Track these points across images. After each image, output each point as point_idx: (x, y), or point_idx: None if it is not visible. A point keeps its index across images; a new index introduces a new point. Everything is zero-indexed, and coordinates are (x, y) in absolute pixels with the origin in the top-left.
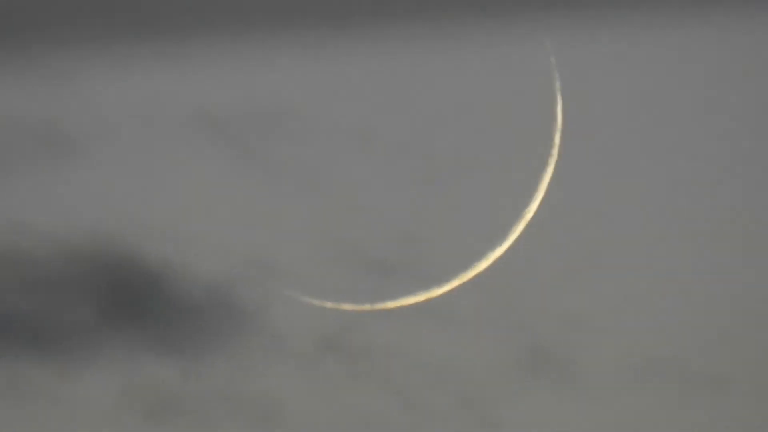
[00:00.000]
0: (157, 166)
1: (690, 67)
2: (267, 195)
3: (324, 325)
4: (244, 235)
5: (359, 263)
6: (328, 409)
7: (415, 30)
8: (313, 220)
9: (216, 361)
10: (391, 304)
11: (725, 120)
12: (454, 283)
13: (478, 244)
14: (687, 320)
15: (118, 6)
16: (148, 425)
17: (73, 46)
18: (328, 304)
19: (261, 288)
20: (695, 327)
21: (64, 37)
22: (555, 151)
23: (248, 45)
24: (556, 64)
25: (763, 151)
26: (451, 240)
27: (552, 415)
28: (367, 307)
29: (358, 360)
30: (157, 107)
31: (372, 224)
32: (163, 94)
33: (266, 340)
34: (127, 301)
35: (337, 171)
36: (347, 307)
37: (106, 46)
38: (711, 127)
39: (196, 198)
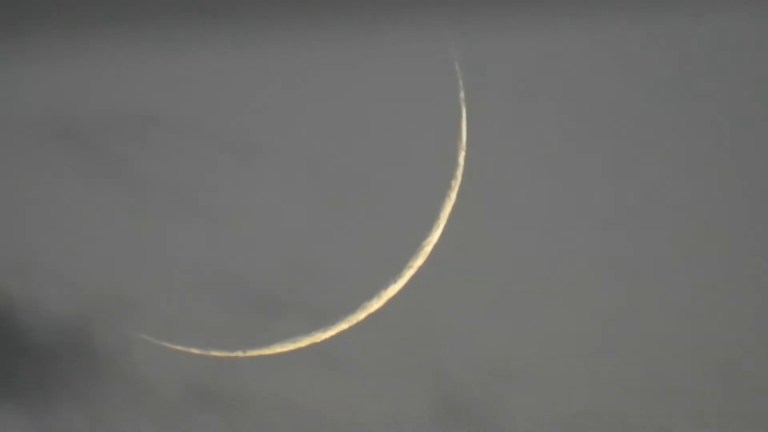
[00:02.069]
0: None
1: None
2: (130, 218)
3: (195, 373)
4: (102, 267)
5: (237, 299)
6: None
7: (308, 29)
8: (184, 248)
9: (71, 413)
10: (270, 350)
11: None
12: (348, 323)
13: (375, 278)
14: (616, 365)
15: None
16: None
17: None
18: (194, 350)
19: (122, 328)
20: (626, 376)
21: None
22: (459, 171)
23: (107, 42)
24: (460, 71)
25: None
26: (341, 274)
27: None
28: (238, 353)
29: (233, 411)
30: None
31: (253, 253)
32: (5, 98)
33: (129, 389)
34: None
35: (213, 189)
36: (217, 353)
37: None
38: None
39: (45, 221)
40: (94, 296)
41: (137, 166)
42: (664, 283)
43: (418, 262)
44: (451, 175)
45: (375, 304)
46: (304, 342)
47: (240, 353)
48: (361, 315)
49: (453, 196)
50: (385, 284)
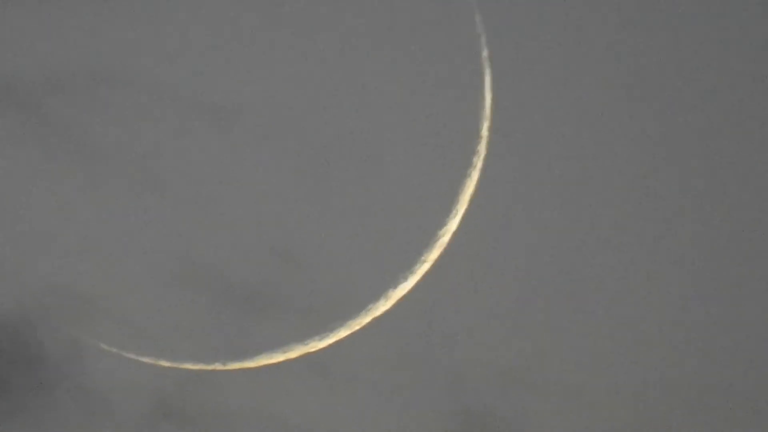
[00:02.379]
0: None
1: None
2: (82, 196)
3: (163, 388)
4: (49, 256)
5: (215, 297)
6: None
7: None
8: (148, 234)
9: (11, 430)
10: (255, 362)
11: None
12: (348, 328)
13: (379, 276)
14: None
15: None
16: None
17: None
18: (163, 362)
19: (73, 331)
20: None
21: None
22: (482, 147)
23: None
24: (482, 23)
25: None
26: (342, 267)
27: None
28: (217, 366)
29: (204, 429)
30: None
31: (233, 240)
32: None
33: (82, 405)
34: None
35: (183, 162)
36: (191, 365)
37: None
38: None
39: None
40: (39, 291)
41: (90, 134)
42: (696, 285)
43: (433, 254)
44: (473, 150)
45: (381, 306)
46: (296, 351)
47: (219, 365)
48: (364, 318)
49: (474, 175)
50: (393, 281)
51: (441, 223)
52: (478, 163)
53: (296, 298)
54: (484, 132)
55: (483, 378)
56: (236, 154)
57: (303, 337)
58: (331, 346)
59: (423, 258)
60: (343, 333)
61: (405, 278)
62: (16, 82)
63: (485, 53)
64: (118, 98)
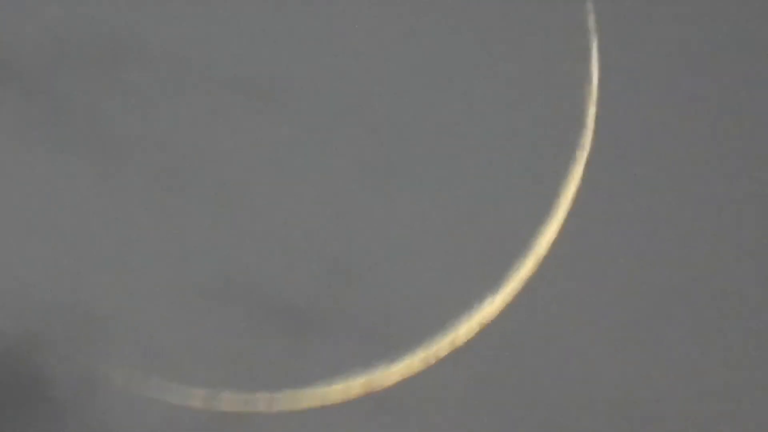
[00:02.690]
0: None
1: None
2: (97, 196)
3: (192, 430)
4: (58, 270)
5: (253, 319)
6: None
7: None
8: (175, 240)
9: None
10: (305, 400)
11: None
12: (420, 362)
13: (458, 295)
14: None
15: None
16: None
17: None
18: (194, 402)
19: (87, 360)
20: None
21: None
22: (586, 140)
23: None
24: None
25: None
26: (412, 284)
27: None
28: (259, 408)
29: None
30: None
31: (277, 249)
32: None
33: None
34: None
35: (218, 155)
36: (227, 406)
37: None
38: None
39: None
40: (47, 312)
41: (104, 120)
42: None
43: (526, 269)
44: (575, 142)
45: (463, 332)
46: (357, 385)
47: (261, 406)
48: (440, 347)
49: (577, 172)
50: (476, 301)
51: (535, 230)
52: (582, 157)
53: (356, 321)
54: (589, 121)
55: (590, 413)
56: (281, 144)
57: (364, 369)
58: (398, 383)
59: (513, 273)
60: (414, 366)
61: (491, 298)
62: (17, 55)
63: (592, 22)
64: (138, 76)
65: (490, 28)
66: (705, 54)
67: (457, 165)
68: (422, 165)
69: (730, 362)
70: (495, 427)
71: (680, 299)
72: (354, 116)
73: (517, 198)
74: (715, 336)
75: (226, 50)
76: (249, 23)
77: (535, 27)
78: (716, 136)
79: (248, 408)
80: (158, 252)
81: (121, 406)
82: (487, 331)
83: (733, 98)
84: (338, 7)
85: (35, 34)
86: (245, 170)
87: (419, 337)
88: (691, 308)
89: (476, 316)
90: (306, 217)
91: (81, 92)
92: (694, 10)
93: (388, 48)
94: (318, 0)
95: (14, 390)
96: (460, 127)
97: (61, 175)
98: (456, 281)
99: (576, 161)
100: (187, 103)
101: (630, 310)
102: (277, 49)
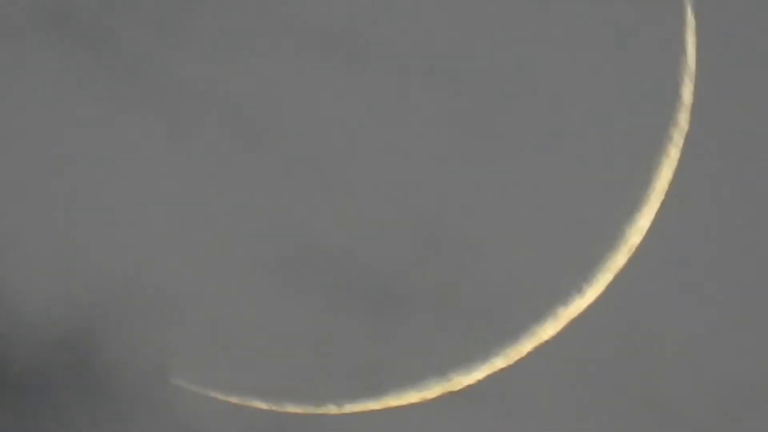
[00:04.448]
0: None
1: None
2: (159, 152)
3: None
4: (111, 234)
5: (332, 298)
6: None
7: None
8: (246, 207)
9: None
10: (388, 399)
11: None
12: (502, 359)
13: (545, 287)
14: None
15: None
16: None
17: None
18: (259, 403)
19: (146, 347)
20: None
21: None
22: (683, 117)
23: None
24: None
25: None
26: (497, 272)
27: None
28: (330, 408)
29: None
30: None
31: (361, 219)
32: None
33: None
34: None
35: (295, 111)
36: (295, 407)
37: None
38: None
39: (22, 158)
40: (98, 288)
41: (171, 71)
42: None
43: (618, 260)
44: (670, 119)
45: (548, 328)
46: (432, 389)
47: (333, 408)
48: (523, 345)
49: (673, 153)
50: (563, 295)
51: (627, 217)
52: (679, 137)
53: (448, 296)
54: (687, 97)
55: (684, 418)
56: (366, 99)
57: (443, 369)
58: (480, 382)
59: (604, 265)
60: (497, 363)
61: (579, 292)
62: (81, 6)
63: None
64: (207, 24)
65: (587, 8)
66: None
67: (544, 147)
68: (518, 137)
69: None
70: (586, 427)
71: None
72: (442, 79)
73: (605, 183)
74: None
75: None
76: None
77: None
78: None
79: (317, 411)
80: (227, 220)
81: (184, 403)
82: (572, 329)
83: None
84: None
85: None
86: (328, 130)
87: (499, 335)
88: None
89: (561, 313)
90: (393, 187)
91: (148, 42)
92: None
93: (488, 11)
94: None
95: (73, 383)
96: (550, 109)
97: (121, 129)
98: (541, 274)
99: (671, 142)
100: (261, 54)
101: (731, 304)
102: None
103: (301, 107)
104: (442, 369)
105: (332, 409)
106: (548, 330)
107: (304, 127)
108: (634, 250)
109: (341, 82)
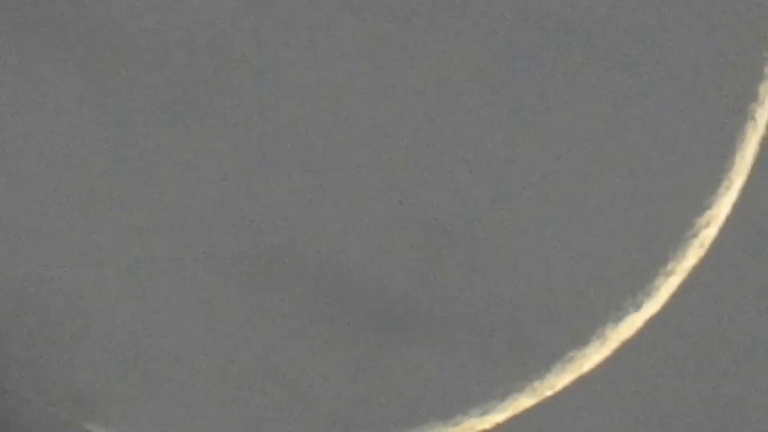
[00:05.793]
0: None
1: None
2: (83, 118)
3: None
4: (18, 233)
5: (314, 315)
6: None
7: None
8: (192, 192)
9: None
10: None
11: None
12: (531, 396)
13: (591, 299)
14: None
15: None
16: None
17: None
18: None
19: (50, 378)
20: None
21: None
22: (765, 90)
23: None
24: None
25: None
26: (529, 278)
27: None
28: None
29: None
30: None
31: (346, 215)
32: None
33: None
34: None
35: (266, 57)
36: None
37: None
38: None
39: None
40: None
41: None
42: None
43: (686, 262)
44: (751, 93)
45: (594, 352)
46: (460, 426)
47: None
48: (564, 374)
49: (754, 133)
50: (615, 309)
51: (699, 209)
52: (761, 115)
53: (472, 322)
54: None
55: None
56: (363, 54)
57: (449, 411)
58: (498, 427)
59: (667, 268)
60: (524, 401)
61: (636, 305)
62: None
63: None
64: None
65: None
66: None
67: (597, 123)
68: (557, 115)
69: None
70: None
71: None
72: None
73: (671, 169)
74: None
75: None
76: None
77: None
78: None
79: None
80: (164, 208)
81: None
82: (624, 353)
83: None
84: None
85: None
86: (311, 86)
87: (532, 363)
88: None
89: (611, 335)
90: (404, 170)
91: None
92: None
93: None
94: None
95: None
96: (604, 79)
97: (36, 88)
98: (586, 282)
99: (751, 119)
100: None
101: None
102: None
103: (269, 51)
104: (448, 411)
105: None
106: (592, 357)
107: (272, 82)
108: (707, 247)
109: (329, 23)
